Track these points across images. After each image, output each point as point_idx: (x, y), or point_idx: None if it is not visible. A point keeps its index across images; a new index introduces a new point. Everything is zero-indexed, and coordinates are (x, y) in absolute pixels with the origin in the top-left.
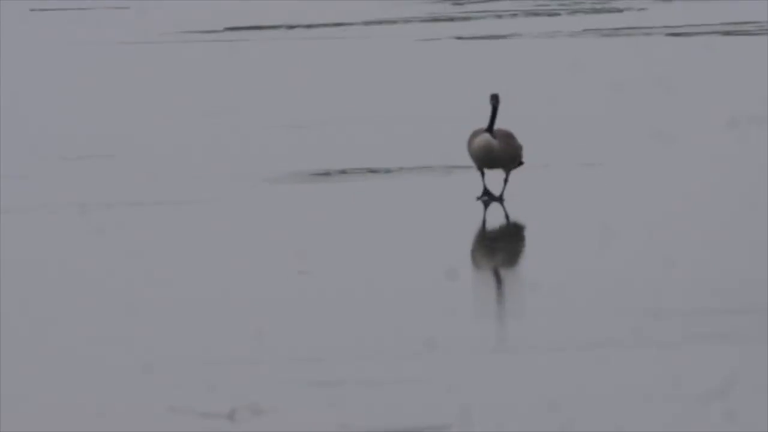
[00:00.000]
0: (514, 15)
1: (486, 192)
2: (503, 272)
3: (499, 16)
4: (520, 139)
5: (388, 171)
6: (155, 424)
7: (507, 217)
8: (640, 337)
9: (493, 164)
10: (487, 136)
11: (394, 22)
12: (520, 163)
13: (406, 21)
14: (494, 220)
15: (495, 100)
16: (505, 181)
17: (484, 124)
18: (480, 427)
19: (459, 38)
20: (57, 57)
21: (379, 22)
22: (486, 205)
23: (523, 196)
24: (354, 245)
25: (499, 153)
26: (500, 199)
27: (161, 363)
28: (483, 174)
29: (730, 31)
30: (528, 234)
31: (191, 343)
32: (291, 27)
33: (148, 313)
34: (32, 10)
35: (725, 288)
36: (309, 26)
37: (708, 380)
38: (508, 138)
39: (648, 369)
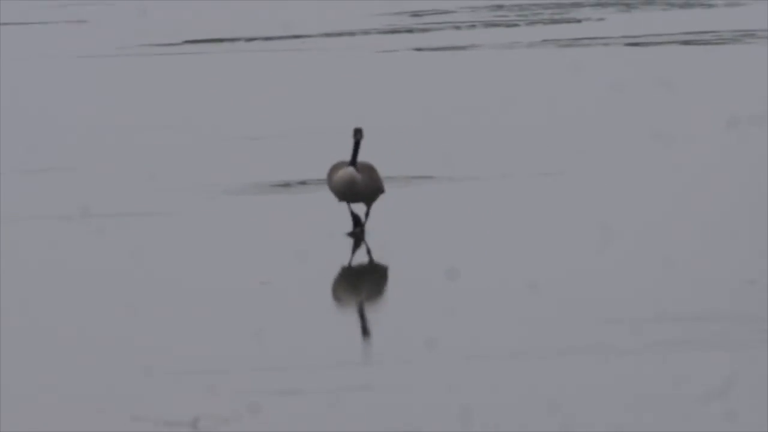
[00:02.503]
0: (473, 26)
1: (356, 221)
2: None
3: (458, 27)
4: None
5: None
6: None
7: (369, 251)
8: (639, 340)
9: (355, 198)
10: (350, 169)
11: (353, 33)
12: (381, 192)
13: (365, 33)
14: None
15: (358, 134)
16: (367, 214)
17: (440, 134)
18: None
19: (418, 50)
20: (13, 71)
21: (339, 34)
22: (355, 237)
23: (497, 205)
24: (316, 256)
25: (362, 187)
26: (361, 231)
27: (123, 372)
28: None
29: (690, 41)
30: (524, 237)
31: (154, 352)
32: (250, 39)
33: (110, 323)
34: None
35: (724, 288)
36: (268, 38)
37: (708, 381)
38: (370, 171)
39: (646, 371)
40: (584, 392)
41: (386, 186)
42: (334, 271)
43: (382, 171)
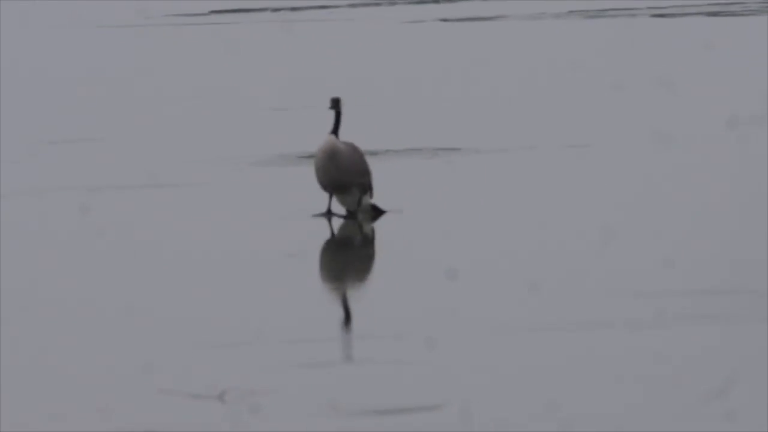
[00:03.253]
0: None
1: (329, 210)
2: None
3: None
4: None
5: (374, 153)
6: (145, 407)
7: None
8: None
9: (337, 174)
10: (331, 137)
11: (378, 4)
12: (369, 189)
13: (392, 3)
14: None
15: (336, 104)
16: (358, 203)
17: (465, 105)
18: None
19: (444, 20)
20: (38, 42)
21: (365, 5)
22: (328, 219)
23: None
24: (343, 227)
25: (345, 159)
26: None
27: (149, 345)
28: (330, 196)
29: (716, 12)
30: (525, 227)
31: (179, 324)
32: (276, 10)
33: (138, 297)
34: None
35: (723, 291)
36: (294, 9)
37: (708, 379)
38: (353, 149)
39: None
40: (582, 391)
41: (413, 157)
42: (362, 245)
43: (409, 143)
